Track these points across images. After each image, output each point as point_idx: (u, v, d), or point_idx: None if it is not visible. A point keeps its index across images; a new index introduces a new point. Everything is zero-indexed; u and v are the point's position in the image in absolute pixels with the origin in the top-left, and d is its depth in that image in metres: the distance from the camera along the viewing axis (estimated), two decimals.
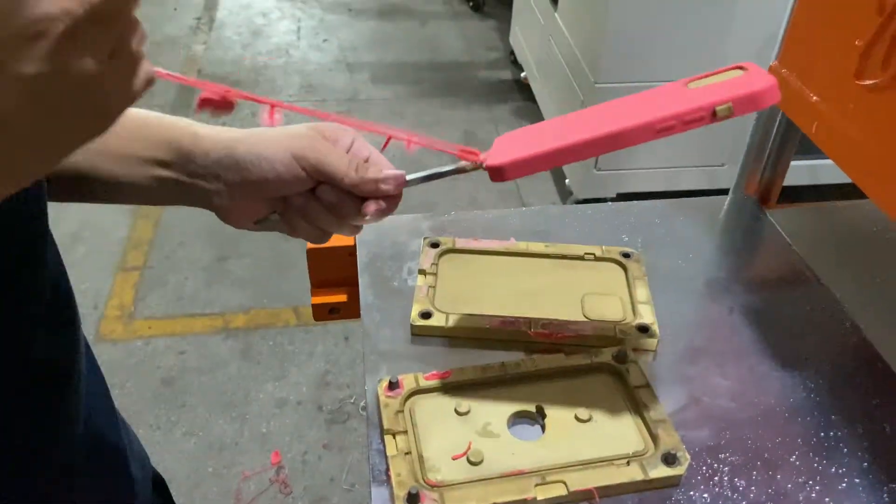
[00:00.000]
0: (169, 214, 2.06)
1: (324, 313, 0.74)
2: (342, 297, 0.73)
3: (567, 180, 2.07)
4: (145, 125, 0.45)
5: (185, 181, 0.44)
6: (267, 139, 0.45)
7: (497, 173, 0.45)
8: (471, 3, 3.14)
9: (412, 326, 0.60)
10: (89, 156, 0.43)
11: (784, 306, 0.64)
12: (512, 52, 2.72)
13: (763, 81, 0.41)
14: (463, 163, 0.47)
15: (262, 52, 2.80)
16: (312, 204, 0.45)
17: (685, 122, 0.41)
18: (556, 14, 2.06)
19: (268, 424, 1.58)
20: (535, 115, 2.42)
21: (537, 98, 2.37)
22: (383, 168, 0.46)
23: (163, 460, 1.49)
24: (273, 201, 0.46)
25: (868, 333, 0.61)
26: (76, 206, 0.50)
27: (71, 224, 2.01)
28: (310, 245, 0.71)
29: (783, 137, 0.72)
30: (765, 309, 0.64)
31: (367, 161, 0.46)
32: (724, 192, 0.78)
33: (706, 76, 0.47)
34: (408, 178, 0.47)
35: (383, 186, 0.45)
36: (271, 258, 1.97)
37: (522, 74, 2.53)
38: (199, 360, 1.70)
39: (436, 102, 2.61)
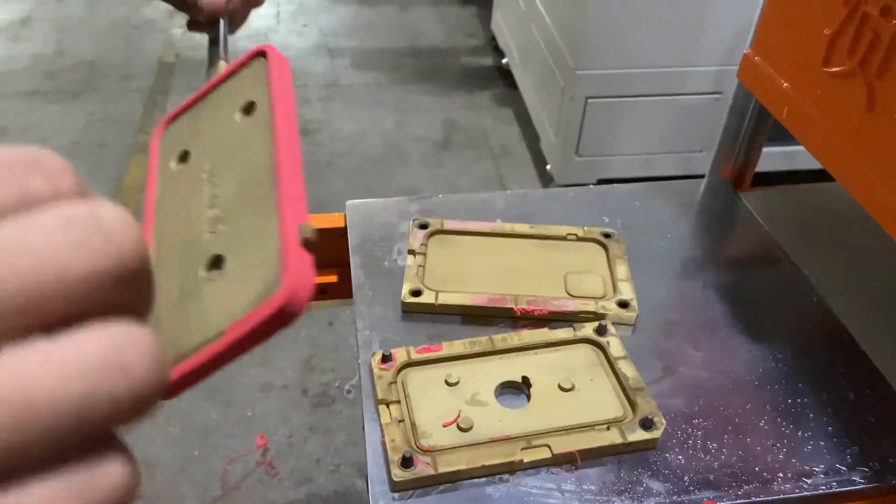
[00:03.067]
0: None
1: (314, 294, 0.76)
2: (332, 278, 0.75)
3: (548, 166, 2.10)
4: None
5: None
6: None
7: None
8: None
9: (403, 304, 0.62)
10: None
11: (755, 283, 0.67)
12: (493, 39, 2.74)
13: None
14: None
15: (240, 37, 2.78)
16: None
17: None
18: (537, 1, 2.08)
19: (253, 408, 1.60)
20: (517, 101, 2.44)
21: (519, 84, 2.40)
22: None
23: (148, 445, 1.50)
24: None
25: (835, 308, 0.64)
26: None
27: None
28: None
29: (756, 122, 0.75)
30: (736, 285, 0.67)
31: None
32: (701, 177, 0.81)
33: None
34: None
35: None
36: None
37: (504, 61, 2.55)
38: None
39: (417, 89, 2.63)
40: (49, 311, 0.13)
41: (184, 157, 0.29)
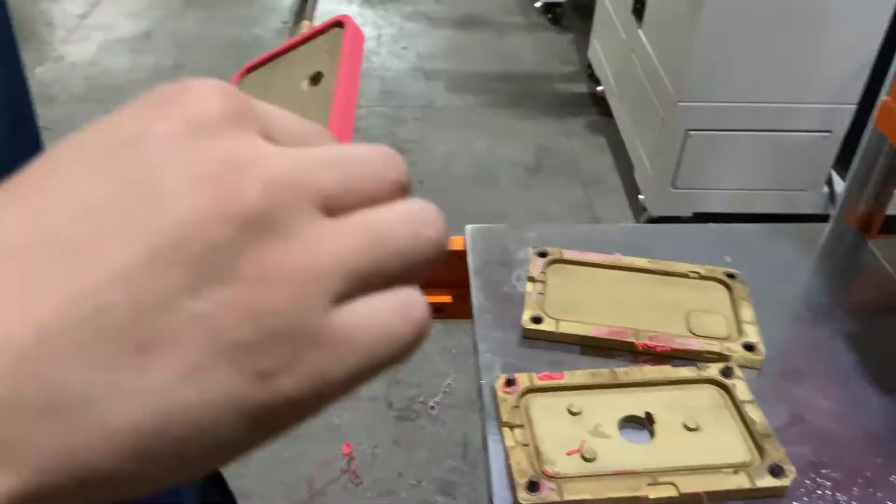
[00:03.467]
0: None
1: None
2: (448, 298, 0.78)
3: (641, 196, 2.08)
4: None
5: None
6: None
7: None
8: (549, 16, 3.17)
9: (524, 329, 0.64)
10: None
11: (885, 333, 0.66)
12: (589, 66, 2.74)
13: None
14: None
15: None
16: None
17: None
18: (639, 30, 2.08)
19: (340, 417, 1.64)
20: (610, 128, 2.43)
21: (614, 113, 2.39)
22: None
23: None
24: None
25: None
26: None
27: None
28: None
29: (889, 168, 0.73)
30: (866, 335, 0.65)
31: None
32: (805, 217, 0.80)
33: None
34: None
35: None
36: None
37: (599, 88, 2.54)
38: None
39: (510, 113, 2.65)
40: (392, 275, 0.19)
41: None
